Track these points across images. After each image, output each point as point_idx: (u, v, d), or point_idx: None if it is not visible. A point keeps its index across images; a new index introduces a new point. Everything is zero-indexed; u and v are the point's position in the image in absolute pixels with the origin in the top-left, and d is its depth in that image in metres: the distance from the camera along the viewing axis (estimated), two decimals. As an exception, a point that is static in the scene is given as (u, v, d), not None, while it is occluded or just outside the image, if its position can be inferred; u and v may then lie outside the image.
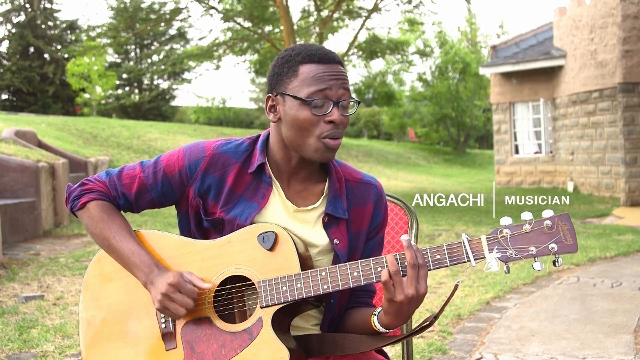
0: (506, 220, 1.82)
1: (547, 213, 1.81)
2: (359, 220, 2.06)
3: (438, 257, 1.83)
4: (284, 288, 1.88)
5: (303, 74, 1.93)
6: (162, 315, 1.97)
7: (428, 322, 1.89)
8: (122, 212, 2.13)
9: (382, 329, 1.92)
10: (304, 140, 1.94)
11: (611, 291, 6.29)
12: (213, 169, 2.02)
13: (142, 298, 2.00)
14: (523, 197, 17.04)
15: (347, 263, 1.87)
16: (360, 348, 1.95)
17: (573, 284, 6.65)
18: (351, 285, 1.86)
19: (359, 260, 1.87)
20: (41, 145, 13.15)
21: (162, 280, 1.91)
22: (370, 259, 1.86)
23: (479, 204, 14.67)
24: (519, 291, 6.38)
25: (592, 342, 4.69)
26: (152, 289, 1.93)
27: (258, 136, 2.10)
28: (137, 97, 41.12)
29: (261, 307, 1.89)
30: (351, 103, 1.98)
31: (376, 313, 1.93)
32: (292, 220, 2.02)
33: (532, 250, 1.79)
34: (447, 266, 1.84)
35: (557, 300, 6.01)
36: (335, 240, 2.01)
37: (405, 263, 1.82)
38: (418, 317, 5.23)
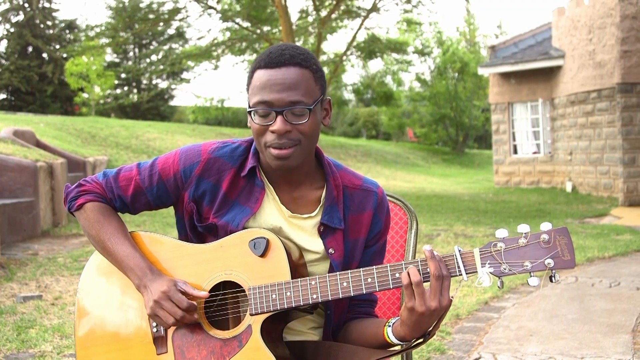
0: (502, 233, 1.76)
1: (545, 226, 1.74)
2: (356, 228, 2.03)
3: (429, 270, 1.79)
4: (274, 296, 1.86)
5: (254, 81, 1.90)
6: None
7: (422, 339, 1.87)
8: (119, 213, 2.13)
9: (396, 341, 1.88)
10: (260, 148, 1.93)
11: (609, 291, 6.30)
12: (208, 174, 2.01)
13: (135, 301, 2.01)
14: (522, 197, 17.07)
15: (338, 273, 1.85)
16: (354, 359, 1.93)
17: (571, 284, 6.65)
18: (340, 296, 1.84)
19: (349, 271, 1.84)
20: (39, 144, 13.14)
21: (156, 286, 1.91)
22: (361, 269, 1.83)
23: (477, 204, 14.67)
24: (517, 291, 6.39)
25: (591, 342, 4.70)
26: (145, 293, 1.93)
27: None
28: (135, 96, 41.06)
29: (250, 315, 1.89)
30: (304, 110, 1.87)
31: (390, 324, 1.89)
32: (288, 225, 2.00)
33: (527, 266, 1.74)
34: None
35: (556, 300, 6.02)
36: (330, 250, 1.99)
37: (427, 273, 1.77)
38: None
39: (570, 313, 5.52)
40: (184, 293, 1.90)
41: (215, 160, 2.02)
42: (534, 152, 20.06)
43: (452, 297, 1.80)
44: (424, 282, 1.78)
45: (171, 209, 2.14)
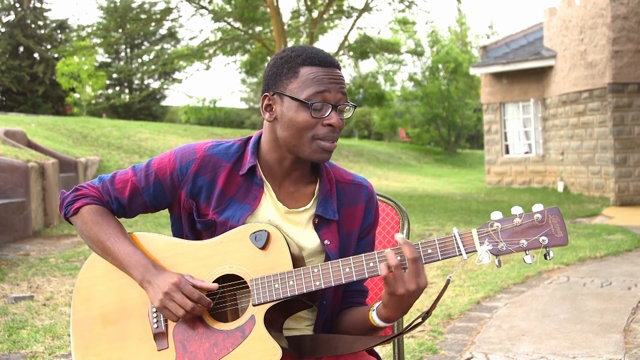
0: (496, 215, 1.83)
1: (537, 207, 1.81)
2: (350, 221, 2.07)
3: (430, 251, 1.84)
4: (276, 285, 1.88)
5: (303, 76, 1.94)
6: (155, 315, 1.97)
7: (420, 320, 1.91)
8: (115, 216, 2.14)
9: (381, 323, 1.94)
10: (300, 142, 1.95)
11: (601, 291, 6.31)
12: (204, 171, 2.03)
13: (134, 299, 2.01)
14: (513, 197, 17.10)
15: (340, 260, 1.88)
16: (352, 348, 1.95)
17: (563, 284, 6.67)
18: (343, 282, 1.87)
19: (351, 257, 1.88)
20: (31, 145, 13.09)
21: (164, 279, 1.92)
22: (363, 255, 1.87)
23: (469, 204, 14.68)
24: (510, 291, 6.40)
25: (582, 342, 4.71)
26: (150, 287, 1.93)
27: (249, 138, 2.10)
28: (127, 97, 40.96)
29: (253, 305, 1.89)
30: (347, 107, 2.00)
31: (374, 308, 1.95)
32: (284, 222, 2.03)
33: (522, 243, 1.80)
34: (439, 260, 1.84)
35: (547, 299, 6.03)
36: (326, 242, 2.02)
37: (404, 257, 1.83)
38: (409, 317, 5.23)
39: (562, 313, 5.54)
40: (192, 285, 1.92)
41: (211, 157, 2.04)
42: (526, 152, 20.11)
43: (450, 277, 1.88)
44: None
45: (165, 210, 2.14)
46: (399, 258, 1.84)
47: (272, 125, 2.00)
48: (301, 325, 2.09)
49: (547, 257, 1.80)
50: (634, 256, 8.26)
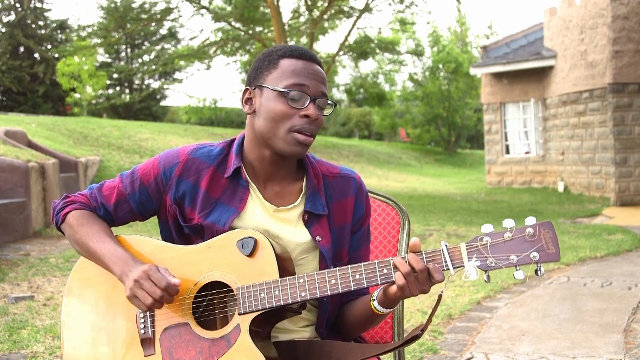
0: (487, 228, 1.79)
1: (530, 221, 1.77)
2: (341, 214, 2.06)
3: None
4: (262, 295, 1.87)
5: (283, 67, 1.96)
6: (142, 320, 1.97)
7: (416, 335, 1.89)
8: None
9: (385, 311, 1.94)
10: (275, 132, 1.94)
11: (601, 291, 6.31)
12: (187, 175, 2.03)
13: (122, 304, 2.01)
14: (514, 197, 17.10)
15: (326, 270, 1.86)
16: (347, 357, 1.95)
17: (563, 284, 6.67)
18: (329, 294, 1.85)
19: (337, 268, 1.86)
20: (31, 145, 13.09)
21: (137, 269, 1.89)
22: (349, 266, 1.85)
23: (469, 204, 14.67)
24: (510, 291, 6.40)
25: (583, 342, 4.71)
26: (127, 280, 1.91)
27: (233, 140, 2.10)
28: (127, 97, 40.92)
29: (239, 314, 1.88)
30: (328, 104, 2.00)
31: (374, 298, 1.94)
32: (274, 221, 2.02)
33: (512, 259, 1.76)
34: None
35: (548, 299, 6.03)
36: (317, 238, 2.01)
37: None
38: (409, 318, 5.24)
39: (562, 313, 5.54)
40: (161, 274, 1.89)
41: (194, 160, 2.04)
42: (526, 152, 20.11)
43: (442, 292, 1.86)
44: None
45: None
46: (385, 271, 1.83)
47: (252, 118, 2.01)
48: (297, 325, 2.08)
49: (538, 273, 1.76)
50: (634, 256, 8.26)
